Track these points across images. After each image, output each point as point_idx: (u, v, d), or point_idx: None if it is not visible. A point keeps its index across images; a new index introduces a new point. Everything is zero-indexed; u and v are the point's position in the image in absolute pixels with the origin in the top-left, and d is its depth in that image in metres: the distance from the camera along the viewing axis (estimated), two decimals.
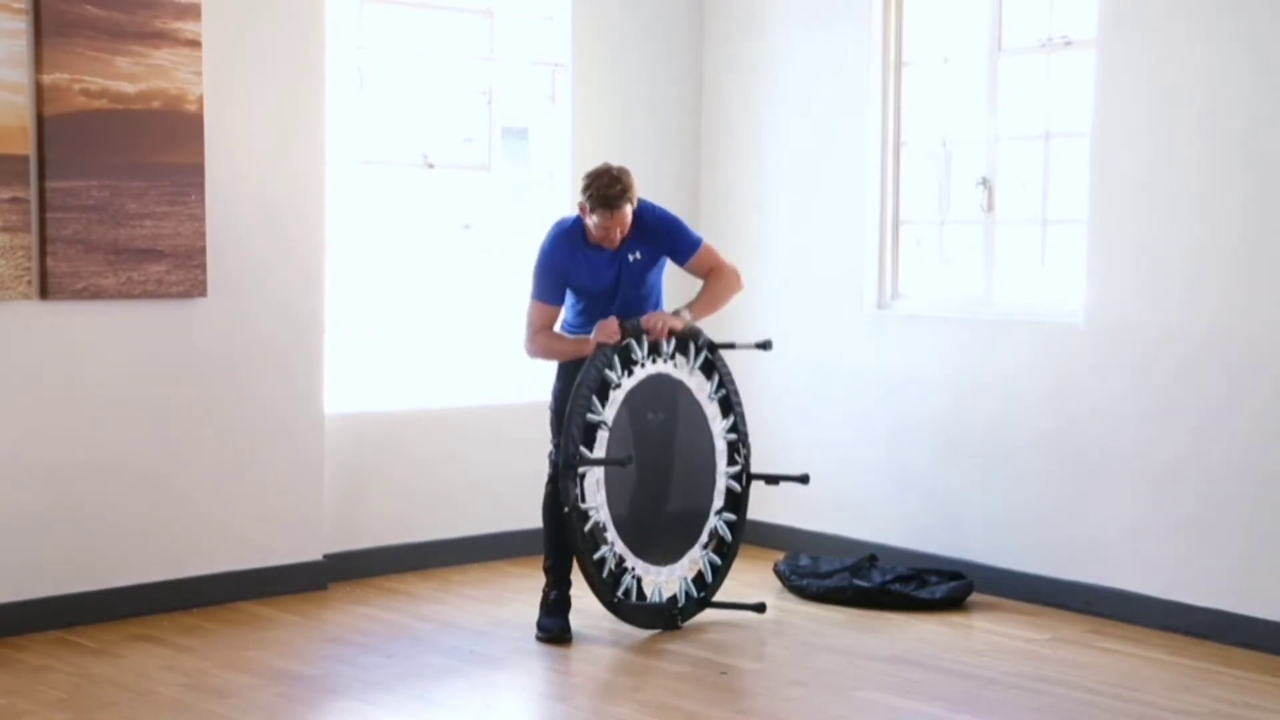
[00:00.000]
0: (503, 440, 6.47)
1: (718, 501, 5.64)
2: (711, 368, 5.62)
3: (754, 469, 5.77)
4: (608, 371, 5.32)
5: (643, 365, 5.40)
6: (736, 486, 5.67)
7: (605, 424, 5.31)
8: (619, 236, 5.28)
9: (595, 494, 5.29)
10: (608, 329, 5.30)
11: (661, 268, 5.52)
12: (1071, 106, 5.92)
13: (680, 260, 5.50)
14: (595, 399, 5.28)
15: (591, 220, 5.24)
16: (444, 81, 6.60)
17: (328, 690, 4.78)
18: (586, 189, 5.22)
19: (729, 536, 5.66)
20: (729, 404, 5.65)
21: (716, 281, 5.52)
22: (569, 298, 5.45)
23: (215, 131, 5.57)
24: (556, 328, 5.45)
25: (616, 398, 5.35)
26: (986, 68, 6.19)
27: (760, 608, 5.64)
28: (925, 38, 6.47)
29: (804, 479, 5.73)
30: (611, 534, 5.32)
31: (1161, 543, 5.59)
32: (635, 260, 5.38)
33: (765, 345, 5.72)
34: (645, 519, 5.51)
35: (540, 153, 6.89)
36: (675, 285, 5.68)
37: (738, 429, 5.67)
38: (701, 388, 5.60)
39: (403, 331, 6.46)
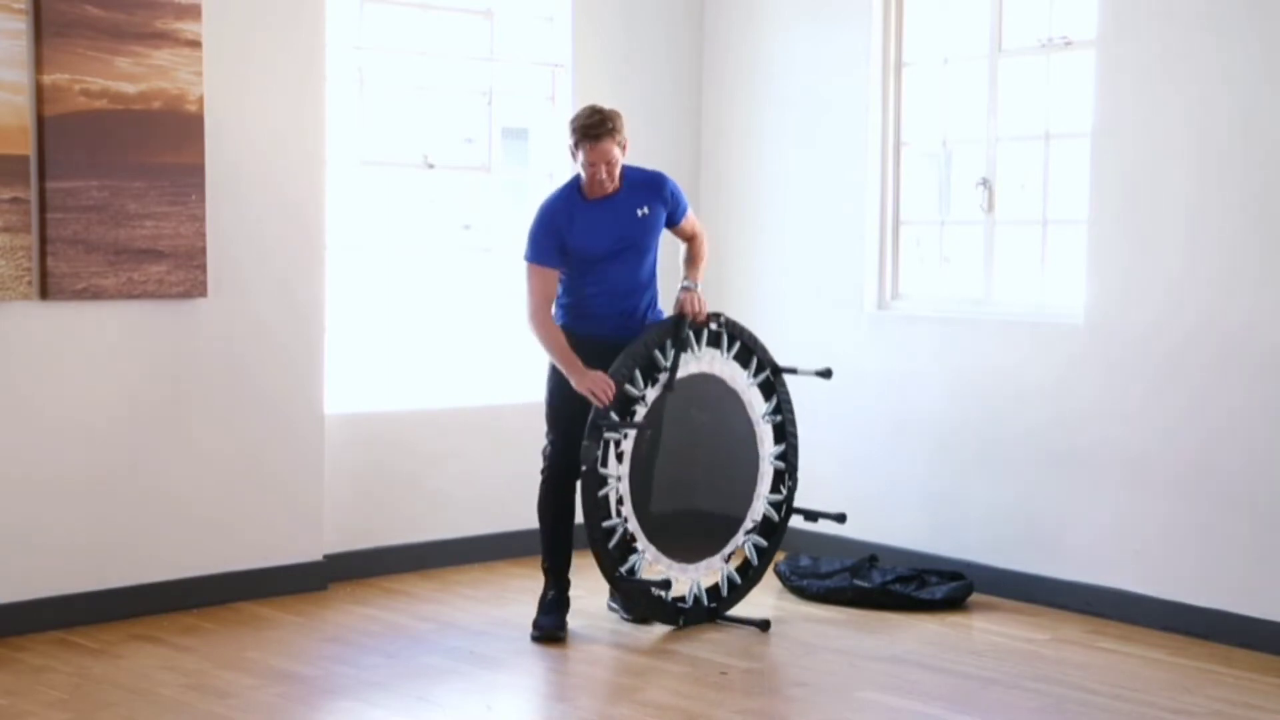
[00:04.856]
0: (503, 440, 6.47)
1: (749, 522, 5.61)
2: (771, 389, 5.64)
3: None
4: (657, 353, 5.30)
5: (694, 353, 5.39)
6: (775, 516, 5.66)
7: (643, 400, 5.26)
8: (605, 176, 5.21)
9: (618, 464, 5.23)
10: (600, 386, 5.13)
11: (659, 234, 5.42)
12: (1071, 107, 5.92)
13: (677, 219, 5.45)
14: (639, 373, 5.26)
15: (579, 162, 5.23)
16: (444, 82, 6.60)
17: (328, 690, 4.78)
18: (571, 123, 5.24)
19: (755, 560, 5.64)
20: (783, 432, 5.65)
21: (702, 247, 5.52)
22: (565, 281, 5.37)
23: (215, 131, 5.57)
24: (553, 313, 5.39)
25: (661, 380, 5.32)
26: (986, 68, 6.19)
27: (765, 625, 5.50)
28: (925, 38, 6.47)
29: (841, 518, 5.68)
30: (627, 509, 5.25)
31: (1162, 543, 5.58)
32: (644, 215, 5.33)
33: (825, 374, 5.70)
34: (674, 510, 5.48)
35: (540, 153, 6.89)
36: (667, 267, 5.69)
37: (787, 459, 5.66)
38: (756, 405, 5.62)
39: (403, 331, 6.46)
